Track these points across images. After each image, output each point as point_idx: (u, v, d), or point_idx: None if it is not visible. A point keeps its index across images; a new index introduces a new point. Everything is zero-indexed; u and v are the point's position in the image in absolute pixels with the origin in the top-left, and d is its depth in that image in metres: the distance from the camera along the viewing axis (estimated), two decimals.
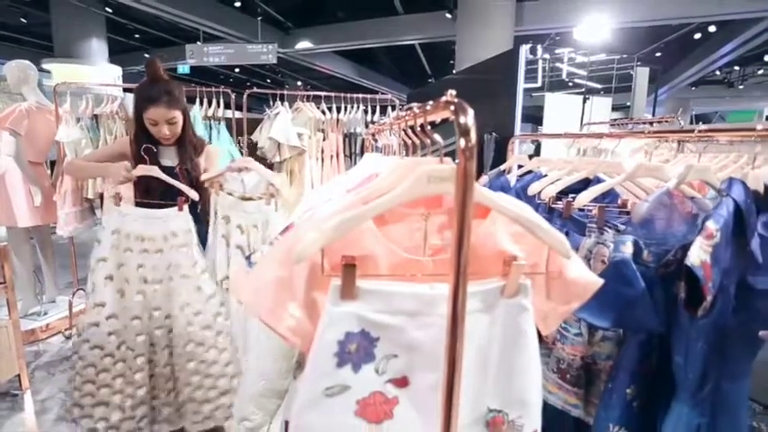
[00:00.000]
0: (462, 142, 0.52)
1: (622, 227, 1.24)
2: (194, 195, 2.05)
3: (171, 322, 2.02)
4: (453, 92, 0.60)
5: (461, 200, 0.53)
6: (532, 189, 1.53)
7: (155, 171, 2.02)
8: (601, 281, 0.79)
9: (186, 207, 2.03)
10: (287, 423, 1.00)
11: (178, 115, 2.13)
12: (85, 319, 1.95)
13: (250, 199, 2.09)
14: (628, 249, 1.00)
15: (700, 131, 1.35)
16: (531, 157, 1.96)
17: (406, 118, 0.86)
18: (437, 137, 0.78)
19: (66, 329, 3.72)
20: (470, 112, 0.55)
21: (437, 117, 0.70)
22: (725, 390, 1.02)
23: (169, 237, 1.98)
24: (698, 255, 0.87)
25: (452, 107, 0.56)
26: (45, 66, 9.60)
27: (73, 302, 3.75)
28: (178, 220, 2.00)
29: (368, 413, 0.68)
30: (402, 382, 0.69)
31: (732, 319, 0.99)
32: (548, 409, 1.33)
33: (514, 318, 0.71)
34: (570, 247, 0.72)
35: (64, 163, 2.02)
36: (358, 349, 0.67)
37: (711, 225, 0.91)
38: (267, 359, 1.09)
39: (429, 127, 0.81)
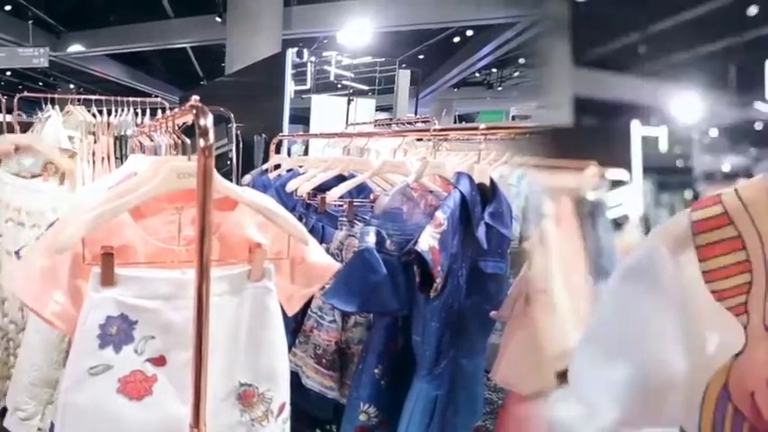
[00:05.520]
0: (202, 142, 0.62)
1: None
2: None
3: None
4: (197, 97, 0.70)
5: (202, 192, 0.63)
6: (290, 186, 1.58)
7: None
8: (338, 264, 0.94)
9: None
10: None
11: None
12: None
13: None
14: (371, 239, 1.09)
15: (434, 131, 1.57)
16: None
17: (160, 121, 0.92)
18: (185, 138, 0.87)
19: None
20: (210, 115, 0.65)
21: (186, 120, 0.79)
22: (462, 365, 1.12)
23: None
24: (427, 241, 0.97)
25: (194, 111, 0.66)
26: None
27: None
28: None
29: (129, 390, 0.73)
30: (160, 361, 0.76)
31: (466, 300, 1.10)
32: (310, 393, 1.37)
33: (260, 299, 0.81)
34: (308, 234, 0.86)
35: None
36: (118, 332, 0.73)
37: (439, 214, 1.03)
38: (38, 350, 1.12)
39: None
